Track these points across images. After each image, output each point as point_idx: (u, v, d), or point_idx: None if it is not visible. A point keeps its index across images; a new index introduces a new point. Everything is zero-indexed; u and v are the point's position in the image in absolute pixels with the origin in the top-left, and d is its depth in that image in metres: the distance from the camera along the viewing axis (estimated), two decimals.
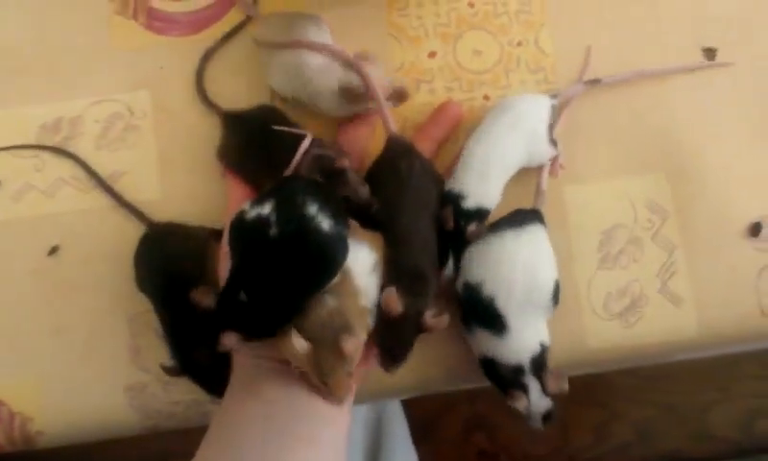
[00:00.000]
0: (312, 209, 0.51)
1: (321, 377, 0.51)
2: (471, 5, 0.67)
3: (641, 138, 0.65)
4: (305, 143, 0.58)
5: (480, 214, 0.58)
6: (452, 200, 0.58)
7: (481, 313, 0.56)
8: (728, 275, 0.63)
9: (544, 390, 0.56)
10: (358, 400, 0.61)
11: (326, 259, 0.51)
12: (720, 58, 0.65)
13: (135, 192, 0.65)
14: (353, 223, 0.55)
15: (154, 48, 0.67)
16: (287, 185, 0.53)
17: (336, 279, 0.52)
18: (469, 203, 0.58)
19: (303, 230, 0.50)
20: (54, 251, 0.65)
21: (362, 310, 0.53)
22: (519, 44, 0.67)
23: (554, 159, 0.63)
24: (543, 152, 0.61)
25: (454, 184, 0.59)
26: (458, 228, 0.57)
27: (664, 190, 0.64)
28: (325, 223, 0.51)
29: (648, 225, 0.63)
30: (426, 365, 0.62)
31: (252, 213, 0.51)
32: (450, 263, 0.59)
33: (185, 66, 0.67)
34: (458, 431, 1.42)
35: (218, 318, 0.50)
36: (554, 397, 0.56)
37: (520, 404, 0.55)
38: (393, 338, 0.55)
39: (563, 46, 0.66)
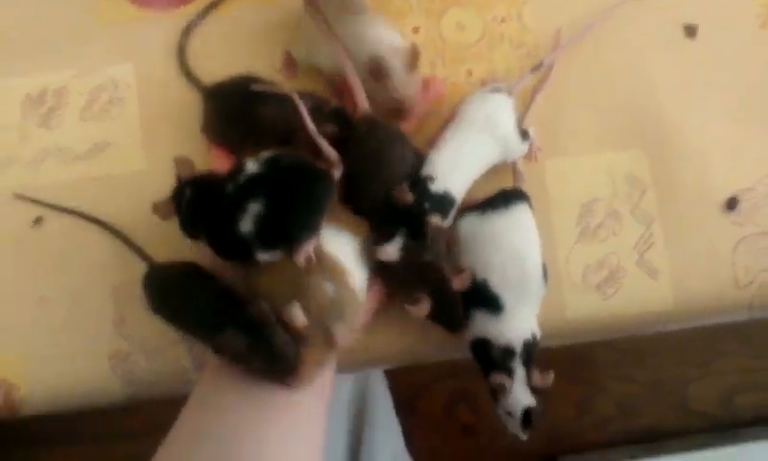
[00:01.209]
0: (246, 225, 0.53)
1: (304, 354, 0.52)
2: None
3: (622, 113, 0.65)
4: (299, 102, 0.56)
5: (446, 200, 0.58)
6: (421, 181, 0.58)
7: (475, 295, 0.57)
8: (704, 248, 0.64)
9: (529, 381, 0.57)
10: (343, 368, 0.62)
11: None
12: (701, 34, 0.66)
13: (120, 164, 0.65)
14: (335, 210, 0.56)
15: (138, 21, 0.67)
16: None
17: (328, 265, 0.54)
18: (437, 186, 0.57)
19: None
20: (38, 222, 0.65)
21: (354, 293, 0.55)
22: (503, 20, 0.67)
23: (530, 146, 0.63)
24: (517, 149, 0.61)
25: (425, 169, 0.59)
26: (420, 207, 0.56)
27: (643, 164, 0.65)
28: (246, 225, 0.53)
29: (626, 198, 0.64)
30: (412, 334, 0.63)
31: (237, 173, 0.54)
32: (399, 239, 0.56)
33: (169, 39, 0.67)
34: (441, 405, 1.43)
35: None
36: (537, 392, 0.57)
37: (503, 382, 0.56)
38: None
39: (545, 22, 0.67)
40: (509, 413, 0.57)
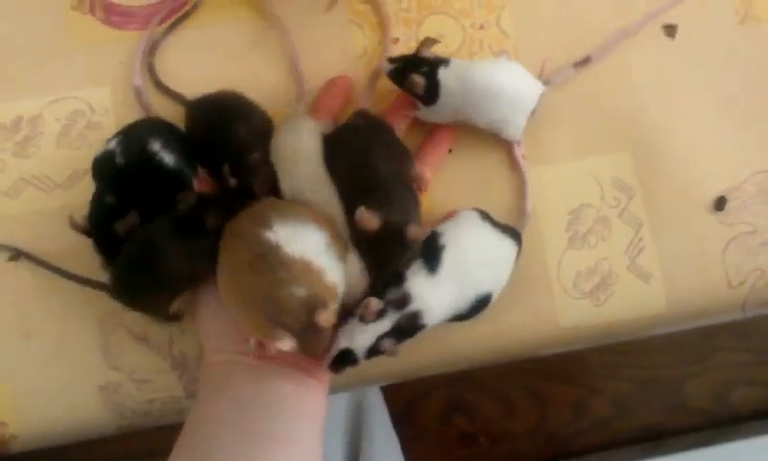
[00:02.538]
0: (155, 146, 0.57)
1: (308, 355, 0.52)
2: None
3: (605, 117, 0.65)
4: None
5: (435, 87, 0.59)
6: (439, 60, 0.60)
7: (427, 247, 0.56)
8: (695, 249, 0.63)
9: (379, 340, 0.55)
10: (337, 389, 0.61)
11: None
12: (680, 34, 0.66)
13: None
14: (297, 206, 0.55)
15: (112, 43, 0.66)
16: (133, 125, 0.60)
17: (299, 269, 0.52)
18: (442, 74, 0.59)
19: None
20: (14, 257, 0.64)
21: (331, 287, 0.53)
22: (481, 27, 0.66)
23: (515, 149, 0.63)
24: (512, 129, 0.61)
25: (448, 59, 0.60)
26: (418, 63, 0.60)
27: (629, 168, 0.64)
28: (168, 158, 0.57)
29: (615, 203, 0.64)
30: (405, 351, 0.62)
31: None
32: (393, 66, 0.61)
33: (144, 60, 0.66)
34: (438, 415, 1.43)
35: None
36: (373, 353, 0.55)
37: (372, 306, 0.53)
38: (379, 255, 0.55)
39: (524, 27, 0.66)
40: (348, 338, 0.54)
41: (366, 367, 0.61)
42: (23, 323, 0.63)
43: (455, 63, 0.60)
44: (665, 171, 0.64)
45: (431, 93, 0.60)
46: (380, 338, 0.54)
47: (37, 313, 0.63)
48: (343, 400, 0.91)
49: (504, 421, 1.37)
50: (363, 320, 0.53)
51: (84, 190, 0.64)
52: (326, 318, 0.50)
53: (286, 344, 0.49)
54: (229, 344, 0.55)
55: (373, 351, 0.55)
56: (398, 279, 0.55)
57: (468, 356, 0.63)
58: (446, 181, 0.64)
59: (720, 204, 0.63)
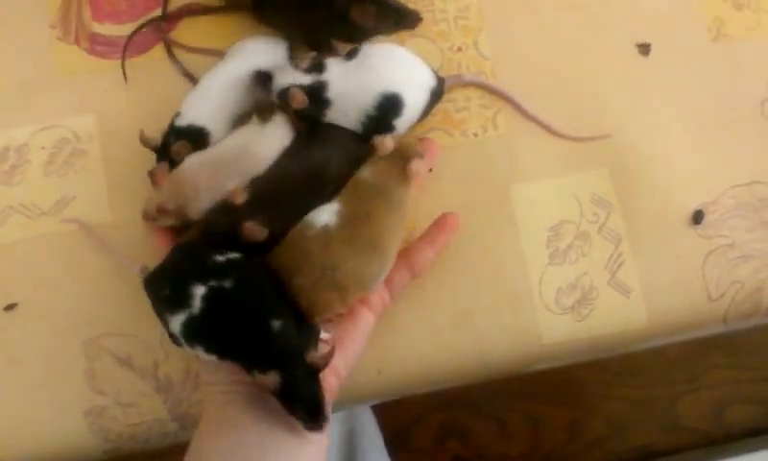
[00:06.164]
0: None
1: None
2: None
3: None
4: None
5: (193, 132, 0.61)
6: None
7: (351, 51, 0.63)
8: (674, 263, 0.64)
9: None
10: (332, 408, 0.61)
11: None
12: (654, 52, 0.67)
13: (86, 216, 0.65)
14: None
15: (97, 72, 0.67)
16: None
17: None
18: (182, 120, 0.61)
19: None
20: (11, 307, 0.64)
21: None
22: (459, 49, 0.68)
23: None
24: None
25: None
26: (165, 144, 0.61)
27: (608, 184, 0.65)
28: None
29: (594, 219, 0.64)
30: (397, 368, 0.63)
31: None
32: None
33: (130, 88, 0.67)
34: (432, 439, 1.42)
35: None
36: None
37: None
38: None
39: (501, 49, 0.67)
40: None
41: (352, 385, 0.61)
42: (8, 349, 0.63)
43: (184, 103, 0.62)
44: (643, 186, 0.65)
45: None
46: (295, 86, 0.59)
47: (23, 339, 0.63)
48: (336, 424, 0.91)
49: (499, 443, 1.36)
50: (297, 67, 0.60)
51: (70, 217, 0.65)
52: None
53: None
54: (224, 374, 0.55)
55: (284, 92, 0.59)
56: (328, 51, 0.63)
57: (453, 374, 0.64)
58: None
59: (698, 217, 0.64)
